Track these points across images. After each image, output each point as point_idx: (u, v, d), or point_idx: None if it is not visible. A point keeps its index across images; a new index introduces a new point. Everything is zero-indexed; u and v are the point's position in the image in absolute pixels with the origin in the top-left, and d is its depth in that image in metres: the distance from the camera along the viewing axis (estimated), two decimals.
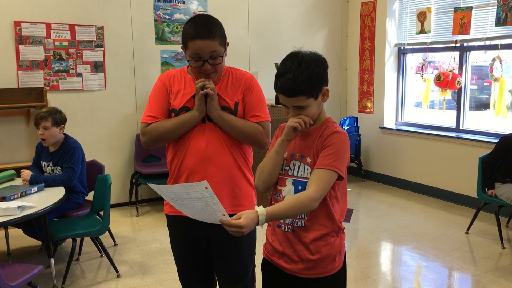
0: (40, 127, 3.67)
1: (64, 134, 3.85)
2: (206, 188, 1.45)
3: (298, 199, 1.61)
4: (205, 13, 5.68)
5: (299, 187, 1.72)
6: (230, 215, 1.56)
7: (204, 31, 1.96)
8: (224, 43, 2.05)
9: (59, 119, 3.73)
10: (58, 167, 3.76)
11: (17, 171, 3.92)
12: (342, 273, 1.79)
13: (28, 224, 3.70)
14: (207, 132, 2.07)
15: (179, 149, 2.11)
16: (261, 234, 1.97)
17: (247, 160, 2.18)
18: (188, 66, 2.18)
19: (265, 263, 1.86)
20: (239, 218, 1.51)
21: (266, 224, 1.75)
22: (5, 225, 3.12)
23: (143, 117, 2.13)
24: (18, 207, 2.96)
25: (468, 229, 4.51)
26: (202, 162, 2.06)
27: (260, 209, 1.55)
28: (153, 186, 1.61)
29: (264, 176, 1.78)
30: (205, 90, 2.00)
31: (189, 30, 1.98)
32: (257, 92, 2.17)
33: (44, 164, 3.81)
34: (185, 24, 2.05)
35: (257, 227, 1.61)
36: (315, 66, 1.68)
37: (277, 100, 5.24)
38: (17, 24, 4.75)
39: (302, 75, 1.65)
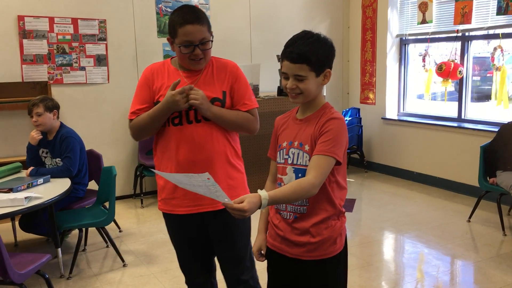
0: (33, 114, 3.72)
1: (60, 122, 3.89)
2: (208, 178, 1.49)
3: (300, 184, 1.65)
4: (206, 5, 5.70)
5: (299, 175, 1.76)
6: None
7: (193, 17, 2.03)
8: (210, 30, 2.11)
9: (50, 105, 3.77)
10: (58, 159, 3.79)
11: (23, 164, 3.97)
12: (343, 255, 1.83)
13: (28, 219, 3.77)
14: (195, 133, 2.10)
15: (167, 151, 2.14)
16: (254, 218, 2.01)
17: (235, 148, 2.24)
18: (171, 58, 2.23)
19: (269, 251, 1.90)
20: (242, 202, 1.55)
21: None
22: (12, 216, 3.17)
23: (129, 113, 2.20)
24: (25, 197, 3.01)
25: (470, 217, 4.54)
26: (193, 164, 2.09)
27: (263, 193, 1.59)
28: (156, 171, 1.69)
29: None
30: (190, 102, 2.02)
31: (177, 18, 2.04)
32: (244, 81, 2.22)
33: (43, 151, 3.85)
34: (171, 14, 2.10)
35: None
36: (325, 44, 1.75)
37: (279, 92, 5.26)
38: (21, 18, 4.78)
39: (312, 46, 1.71)
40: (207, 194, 1.55)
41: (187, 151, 2.10)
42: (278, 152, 1.86)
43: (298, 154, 1.78)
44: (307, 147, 1.75)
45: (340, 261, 1.83)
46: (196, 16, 2.04)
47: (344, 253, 1.84)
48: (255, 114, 2.22)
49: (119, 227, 4.48)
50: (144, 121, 2.12)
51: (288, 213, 1.80)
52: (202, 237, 2.24)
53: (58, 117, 3.86)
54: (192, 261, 2.31)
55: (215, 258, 2.36)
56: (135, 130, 2.18)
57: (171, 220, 2.26)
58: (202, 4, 5.67)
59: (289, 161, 1.80)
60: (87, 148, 4.06)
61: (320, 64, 1.72)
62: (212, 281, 2.40)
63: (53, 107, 3.80)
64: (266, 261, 1.95)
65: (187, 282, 2.38)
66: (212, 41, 2.11)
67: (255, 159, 4.80)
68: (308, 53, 1.69)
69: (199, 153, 2.10)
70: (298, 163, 1.77)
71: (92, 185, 4.15)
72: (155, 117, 2.09)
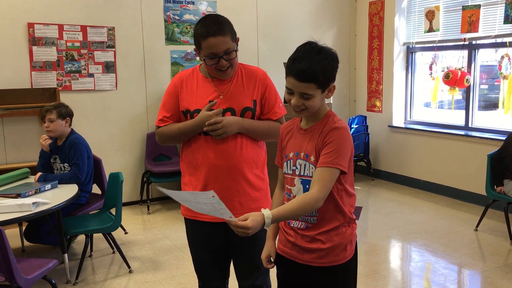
0: (45, 119, 3.76)
1: (71, 129, 3.91)
2: (213, 196, 1.51)
3: (303, 200, 1.65)
4: (214, 13, 5.74)
5: (307, 186, 1.76)
6: None
7: (215, 29, 2.03)
8: (235, 38, 2.11)
9: (64, 112, 3.80)
10: (66, 164, 3.82)
11: (31, 170, 4.01)
12: (353, 262, 1.83)
13: (33, 229, 3.80)
14: (225, 144, 2.13)
15: (194, 158, 2.18)
16: None
17: (262, 157, 2.28)
18: (200, 65, 2.25)
19: (278, 257, 1.90)
20: (246, 219, 1.57)
21: None
22: (20, 221, 3.20)
23: (156, 119, 2.25)
24: (33, 203, 3.03)
25: (477, 226, 4.51)
26: (219, 171, 2.14)
27: (267, 212, 1.60)
28: (162, 189, 1.66)
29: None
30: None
31: (200, 30, 2.05)
32: (273, 89, 2.25)
33: (53, 157, 3.87)
34: (195, 26, 2.11)
35: None
36: (332, 59, 1.71)
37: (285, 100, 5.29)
38: (30, 25, 4.84)
39: (320, 64, 1.67)
40: (211, 212, 1.57)
41: (215, 159, 2.13)
42: (285, 163, 1.86)
43: (305, 165, 1.78)
44: (312, 158, 1.75)
45: (350, 268, 1.82)
46: (218, 27, 2.03)
47: (354, 260, 1.84)
48: (283, 122, 2.24)
49: (124, 229, 4.51)
50: (174, 133, 2.18)
51: (300, 223, 1.81)
52: (222, 242, 2.25)
53: (70, 125, 3.88)
54: (209, 266, 2.31)
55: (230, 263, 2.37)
56: (162, 137, 2.24)
57: (193, 226, 2.27)
58: (209, 12, 5.71)
59: (297, 172, 1.80)
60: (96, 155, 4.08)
61: (327, 81, 1.71)
62: (226, 286, 2.41)
63: (66, 114, 3.82)
64: (275, 267, 1.94)
65: (201, 287, 2.38)
66: (237, 50, 2.12)
67: None
68: (317, 72, 1.66)
69: (227, 160, 2.13)
70: (305, 174, 1.77)
71: (93, 189, 4.16)
72: (186, 132, 2.15)
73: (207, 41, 2.02)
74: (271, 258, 1.92)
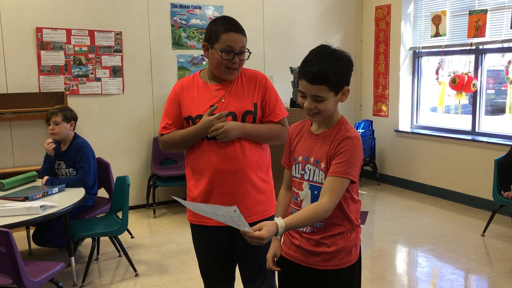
0: (51, 122, 3.77)
1: (74, 133, 3.92)
2: (235, 211, 1.54)
3: (314, 210, 1.66)
4: None
5: (315, 192, 1.76)
6: (256, 222, 1.67)
7: (237, 26, 2.11)
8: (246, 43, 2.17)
9: (69, 115, 3.82)
10: (71, 169, 3.83)
11: (39, 173, 4.03)
12: (357, 266, 1.84)
13: (41, 233, 3.82)
14: (228, 148, 2.14)
15: (199, 164, 2.19)
16: None
17: (266, 159, 2.28)
18: (200, 71, 2.27)
19: (282, 258, 1.91)
20: (260, 229, 1.58)
21: None
22: (28, 224, 3.22)
23: (159, 127, 2.27)
24: (41, 206, 3.05)
25: (484, 231, 4.49)
26: (224, 175, 2.14)
27: (280, 222, 1.62)
28: (178, 199, 1.69)
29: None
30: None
31: (221, 27, 2.10)
32: (274, 91, 2.27)
33: (56, 163, 3.88)
34: (211, 24, 2.15)
35: None
36: (344, 62, 1.70)
37: (292, 103, 5.28)
38: (39, 30, 4.88)
39: (331, 66, 1.66)
40: (228, 222, 1.58)
41: (218, 164, 2.14)
42: (294, 166, 1.86)
43: (314, 171, 1.78)
44: (322, 165, 1.75)
45: (355, 272, 1.83)
46: (239, 26, 2.13)
47: (358, 264, 1.84)
48: (286, 124, 2.27)
49: (130, 233, 4.52)
50: (177, 140, 2.19)
51: (306, 227, 1.81)
52: (227, 246, 2.26)
53: (74, 128, 3.90)
54: (215, 270, 2.32)
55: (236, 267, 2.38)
56: (166, 145, 2.25)
57: (199, 231, 2.28)
58: (216, 16, 5.73)
59: (306, 177, 1.80)
60: (98, 155, 4.09)
61: (339, 83, 1.70)
62: None
63: (71, 118, 3.84)
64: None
65: None
66: (250, 52, 2.17)
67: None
68: (328, 73, 1.65)
69: (231, 164, 2.14)
70: (314, 180, 1.78)
71: (101, 193, 4.19)
72: (188, 139, 2.16)
73: (229, 35, 2.08)
74: (276, 258, 1.92)
